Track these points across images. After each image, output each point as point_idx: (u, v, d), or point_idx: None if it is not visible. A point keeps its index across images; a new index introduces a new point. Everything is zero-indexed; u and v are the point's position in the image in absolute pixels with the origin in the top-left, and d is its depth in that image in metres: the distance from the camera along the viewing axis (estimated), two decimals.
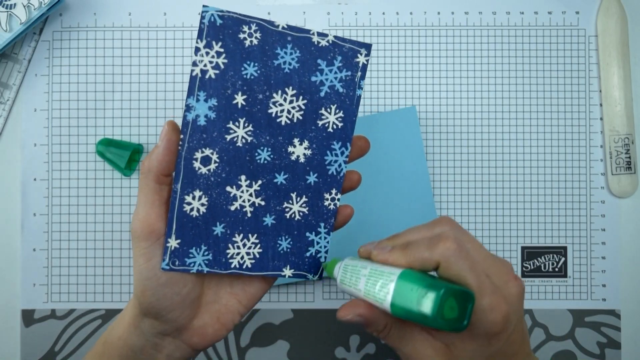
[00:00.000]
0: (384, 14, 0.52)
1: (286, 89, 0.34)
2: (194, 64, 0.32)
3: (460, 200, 0.51)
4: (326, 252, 0.36)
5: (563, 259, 0.51)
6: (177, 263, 0.33)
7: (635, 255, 0.52)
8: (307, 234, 0.36)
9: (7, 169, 0.51)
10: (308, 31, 0.33)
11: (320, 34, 0.34)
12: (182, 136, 0.32)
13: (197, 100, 0.32)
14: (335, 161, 0.35)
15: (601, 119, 0.52)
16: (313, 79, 0.34)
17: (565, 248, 0.52)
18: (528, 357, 0.33)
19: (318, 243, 0.36)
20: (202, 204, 0.33)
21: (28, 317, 0.51)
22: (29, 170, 0.51)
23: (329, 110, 0.34)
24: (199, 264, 0.34)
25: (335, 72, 0.34)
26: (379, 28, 0.52)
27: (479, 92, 0.52)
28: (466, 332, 0.30)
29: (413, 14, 0.52)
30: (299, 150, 0.35)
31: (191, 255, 0.33)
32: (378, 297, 0.30)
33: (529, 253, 0.51)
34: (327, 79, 0.34)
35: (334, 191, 0.36)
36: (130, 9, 0.52)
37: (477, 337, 0.31)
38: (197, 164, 0.33)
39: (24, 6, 0.48)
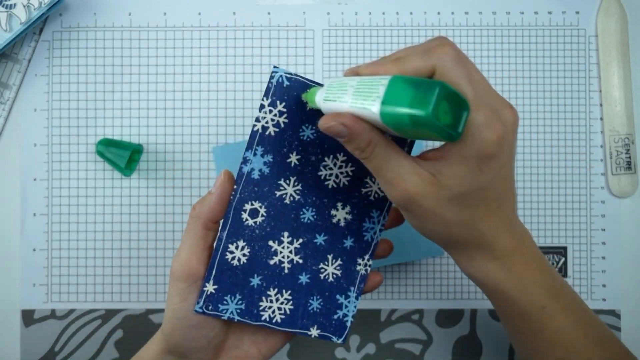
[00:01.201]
0: (384, 14, 0.52)
1: (337, 155, 0.35)
2: (257, 119, 0.33)
3: None
4: (353, 316, 0.37)
5: (563, 259, 0.51)
6: (210, 307, 0.34)
7: (635, 255, 0.52)
8: (338, 296, 0.36)
9: (7, 169, 0.51)
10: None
11: None
12: (235, 187, 0.34)
13: (255, 154, 0.34)
14: (372, 228, 0.36)
15: (601, 119, 0.52)
16: None
17: (565, 248, 0.52)
18: (515, 215, 0.32)
19: (346, 307, 0.36)
20: (244, 254, 0.34)
21: (28, 317, 0.51)
22: (29, 170, 0.51)
23: (373, 179, 0.35)
24: (231, 312, 0.34)
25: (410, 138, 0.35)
26: (379, 28, 0.52)
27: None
28: (456, 153, 0.28)
29: (413, 14, 0.52)
30: (341, 214, 0.36)
31: (225, 302, 0.34)
32: (366, 104, 0.27)
33: None
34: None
35: (367, 257, 0.36)
36: (130, 9, 0.52)
37: (468, 159, 0.28)
38: (245, 215, 0.34)
39: (24, 6, 0.48)
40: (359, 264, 0.36)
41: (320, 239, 0.35)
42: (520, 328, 0.34)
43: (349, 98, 0.28)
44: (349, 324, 0.36)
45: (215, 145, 0.51)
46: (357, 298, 0.36)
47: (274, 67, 0.33)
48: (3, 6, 0.48)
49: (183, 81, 0.52)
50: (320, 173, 0.35)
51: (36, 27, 0.51)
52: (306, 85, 0.34)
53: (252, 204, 0.34)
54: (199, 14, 0.52)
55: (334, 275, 0.36)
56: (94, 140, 0.51)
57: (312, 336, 0.36)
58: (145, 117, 0.51)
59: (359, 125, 0.28)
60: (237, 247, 0.34)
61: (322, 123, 0.29)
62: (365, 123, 0.28)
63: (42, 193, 0.51)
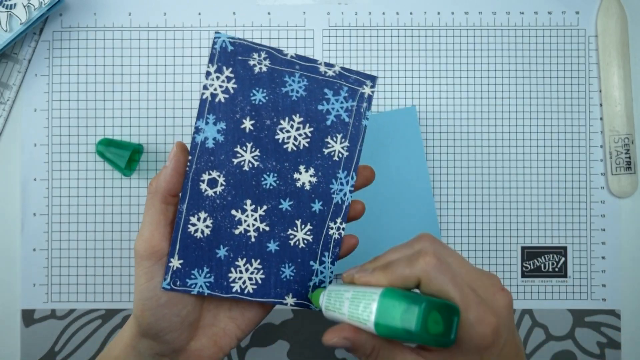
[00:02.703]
0: (384, 14, 0.52)
1: (293, 116, 0.34)
2: (205, 87, 0.33)
3: (460, 200, 0.51)
4: (330, 282, 0.36)
5: (563, 259, 0.51)
6: (178, 283, 0.33)
7: (635, 255, 0.52)
8: (311, 262, 0.36)
9: (7, 169, 0.51)
10: (315, 61, 0.34)
11: (327, 64, 0.34)
12: (190, 157, 0.33)
13: (207, 123, 0.33)
14: (341, 190, 0.35)
15: (601, 119, 0.52)
16: (319, 107, 0.35)
17: (565, 248, 0.52)
18: None
19: (322, 272, 0.36)
20: (207, 226, 0.34)
21: (28, 317, 0.51)
22: (29, 170, 0.51)
23: (334, 139, 0.35)
24: (200, 286, 0.34)
25: (342, 102, 0.35)
26: (379, 28, 0.52)
27: (479, 92, 0.52)
28: (456, 349, 0.30)
29: (413, 14, 0.52)
30: (305, 178, 0.35)
31: (193, 277, 0.34)
32: (362, 318, 0.29)
33: (529, 253, 0.51)
34: (333, 108, 0.35)
35: (339, 220, 0.36)
36: (130, 9, 0.52)
37: (467, 353, 0.30)
38: (203, 186, 0.33)
39: (24, 6, 0.48)
40: (331, 228, 0.35)
41: (285, 205, 0.35)
42: None
43: (346, 310, 0.31)
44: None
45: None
46: (332, 263, 0.36)
47: (216, 32, 0.33)
48: (3, 6, 0.48)
49: (183, 81, 0.52)
50: (277, 137, 0.34)
51: (36, 27, 0.51)
52: (250, 48, 0.33)
53: (209, 174, 0.33)
54: (199, 14, 0.52)
55: (305, 241, 0.35)
56: (94, 140, 0.51)
57: (289, 304, 0.35)
58: (145, 117, 0.51)
59: (360, 337, 0.30)
60: (198, 219, 0.33)
61: (327, 339, 0.31)
62: (365, 333, 0.30)
63: (42, 193, 0.51)
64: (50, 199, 0.51)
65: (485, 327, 0.29)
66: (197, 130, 0.33)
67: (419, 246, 0.31)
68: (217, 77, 0.33)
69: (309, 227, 0.35)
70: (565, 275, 0.51)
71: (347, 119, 0.35)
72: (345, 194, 0.35)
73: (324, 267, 0.36)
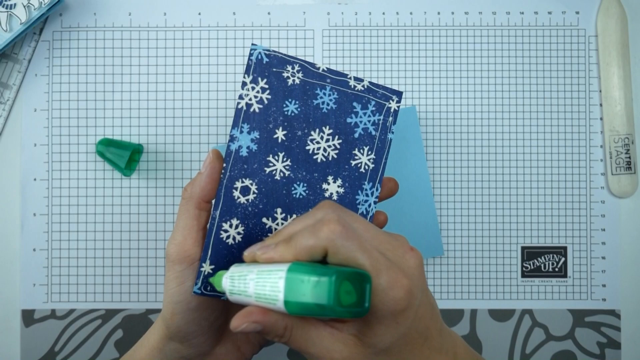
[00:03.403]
0: (384, 14, 0.52)
1: (323, 128, 0.35)
2: (240, 97, 0.34)
3: (460, 200, 0.51)
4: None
5: (563, 259, 0.51)
6: (208, 288, 0.34)
7: (635, 255, 0.52)
8: None
9: (7, 169, 0.51)
10: (345, 75, 0.35)
11: (356, 79, 0.36)
12: (224, 165, 0.34)
13: (241, 131, 0.34)
14: (366, 201, 0.36)
15: (601, 119, 0.52)
16: (348, 120, 0.35)
17: (565, 248, 0.52)
18: (442, 331, 0.32)
19: None
20: (239, 233, 0.34)
21: (28, 317, 0.51)
22: (29, 170, 0.51)
23: (361, 151, 0.36)
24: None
25: (369, 116, 0.36)
26: (379, 28, 0.52)
27: (479, 92, 0.52)
28: (371, 316, 0.29)
29: (413, 14, 0.52)
30: (333, 188, 0.36)
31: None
32: (270, 298, 0.28)
33: (529, 253, 0.51)
34: (361, 121, 0.36)
35: None
36: (130, 9, 0.52)
37: (383, 319, 0.29)
38: (236, 193, 0.34)
39: (24, 6, 0.48)
40: None
41: None
42: None
43: (252, 291, 0.29)
44: None
45: (215, 145, 0.51)
46: None
47: (252, 44, 0.34)
48: (3, 6, 0.48)
49: (183, 81, 0.52)
50: (308, 147, 0.35)
51: (36, 27, 0.51)
52: (285, 60, 0.34)
53: (242, 182, 0.34)
54: (199, 14, 0.52)
55: None
56: (94, 140, 0.51)
57: None
58: (145, 117, 0.51)
59: (270, 318, 0.29)
60: (231, 226, 0.34)
61: (235, 326, 0.29)
62: (275, 313, 0.29)
63: (42, 193, 0.51)
64: (50, 199, 0.51)
65: (398, 290, 0.28)
66: (232, 139, 0.34)
67: (320, 214, 0.30)
68: (252, 88, 0.34)
69: None
70: (565, 275, 0.51)
71: (373, 132, 0.36)
72: (370, 205, 0.36)
73: None
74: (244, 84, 0.34)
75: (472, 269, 0.51)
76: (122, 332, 0.51)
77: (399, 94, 0.36)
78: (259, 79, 0.34)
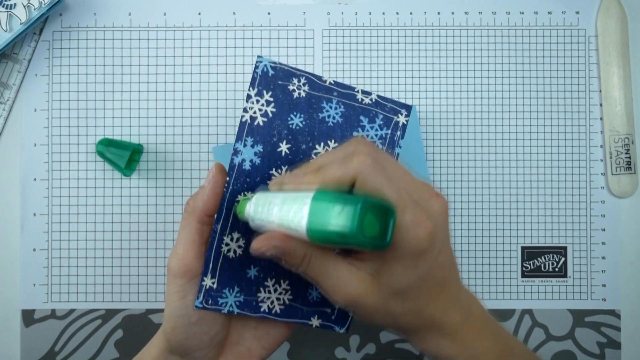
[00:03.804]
0: (384, 14, 0.52)
1: (328, 142, 0.35)
2: (245, 110, 0.33)
3: (460, 200, 0.51)
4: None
5: (563, 259, 0.51)
6: (210, 302, 0.34)
7: (635, 255, 0.52)
8: None
9: (7, 169, 0.51)
10: (353, 88, 0.35)
11: (364, 92, 0.35)
12: (227, 179, 0.33)
13: (245, 145, 0.33)
14: None
15: (601, 119, 0.52)
16: (355, 134, 0.35)
17: (565, 248, 0.52)
18: (459, 287, 0.32)
19: None
20: (239, 246, 0.34)
21: (28, 317, 0.51)
22: (29, 170, 0.51)
23: None
24: (230, 305, 0.34)
25: (376, 130, 0.35)
26: (379, 28, 0.52)
27: (479, 92, 0.52)
28: (391, 254, 0.29)
29: (413, 14, 0.52)
30: None
31: (224, 296, 0.34)
32: (293, 224, 0.28)
33: (529, 253, 0.51)
34: (368, 135, 0.35)
35: None
36: (130, 9, 0.52)
37: (402, 258, 0.29)
38: None
39: (24, 6, 0.48)
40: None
41: None
42: None
43: (276, 216, 0.29)
44: (351, 314, 0.36)
45: (215, 145, 0.51)
46: None
47: (258, 56, 0.33)
48: (3, 6, 0.48)
49: (183, 81, 0.52)
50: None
51: (36, 27, 0.51)
52: (290, 73, 0.33)
53: (244, 195, 0.34)
54: (199, 14, 0.52)
55: None
56: (94, 140, 0.51)
57: (314, 326, 0.35)
58: (145, 117, 0.51)
59: (291, 244, 0.29)
60: (232, 239, 0.34)
61: (254, 246, 0.29)
62: (296, 239, 0.29)
63: (42, 193, 0.51)
64: (50, 199, 0.51)
65: (421, 230, 0.28)
66: (235, 152, 0.33)
67: (352, 148, 0.29)
68: (257, 101, 0.33)
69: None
70: (565, 275, 0.51)
71: (380, 146, 0.35)
72: None
73: None
74: (248, 96, 0.33)
75: (472, 269, 0.51)
76: (122, 332, 0.51)
77: (408, 108, 0.35)
78: (264, 91, 0.33)
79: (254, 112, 0.33)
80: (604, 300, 0.51)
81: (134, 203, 0.51)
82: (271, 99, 0.33)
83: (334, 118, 0.35)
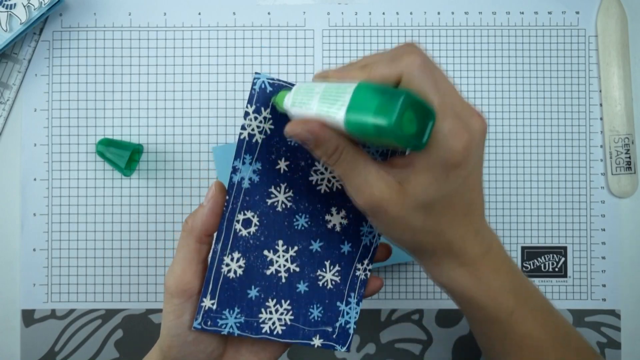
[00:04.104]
0: (384, 14, 0.52)
1: None
2: (243, 127, 0.32)
3: None
4: (355, 322, 0.36)
5: (563, 259, 0.51)
6: (209, 323, 0.33)
7: (635, 255, 0.52)
8: (338, 303, 0.35)
9: (7, 169, 0.51)
10: None
11: None
12: (227, 197, 0.33)
13: (243, 163, 0.33)
14: (370, 232, 0.35)
15: (601, 119, 0.52)
16: None
17: (565, 248, 0.52)
18: (483, 219, 0.32)
19: (348, 313, 0.36)
20: (240, 266, 0.34)
21: (28, 317, 0.51)
22: (29, 170, 0.51)
23: None
24: (231, 326, 0.34)
25: (376, 148, 0.34)
26: (379, 28, 0.52)
27: (479, 92, 0.52)
28: (422, 162, 0.28)
29: (413, 14, 0.52)
30: (336, 219, 0.35)
31: (224, 317, 0.33)
32: (331, 112, 0.27)
33: (529, 253, 0.51)
34: (368, 151, 0.34)
35: (366, 262, 0.36)
36: (130, 9, 0.52)
37: (434, 167, 0.28)
38: (238, 226, 0.33)
39: (24, 6, 0.48)
40: (358, 269, 0.35)
41: (315, 246, 0.35)
42: (489, 333, 0.34)
43: (315, 104, 0.28)
44: (351, 331, 0.36)
45: (215, 145, 0.51)
46: (358, 304, 0.36)
47: (256, 73, 0.33)
48: (3, 6, 0.48)
49: (183, 81, 0.52)
50: (311, 178, 0.34)
51: (36, 27, 0.51)
52: (288, 89, 0.33)
53: (244, 214, 0.33)
54: (199, 14, 0.52)
55: (333, 282, 0.35)
56: (94, 140, 0.51)
57: (315, 346, 0.35)
58: (145, 117, 0.51)
59: (326, 132, 0.28)
60: (232, 259, 0.33)
61: (289, 130, 0.28)
62: (331, 130, 0.28)
63: (42, 193, 0.51)
64: (50, 199, 0.51)
65: (457, 141, 0.27)
66: (235, 170, 0.33)
67: (402, 49, 0.29)
68: (255, 118, 0.33)
69: (337, 268, 0.35)
70: (565, 275, 0.51)
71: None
72: (374, 236, 0.35)
73: (350, 308, 0.36)
74: (246, 114, 0.32)
75: None
76: (122, 332, 0.51)
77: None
78: (262, 108, 0.32)
79: (252, 130, 0.33)
80: (604, 300, 0.51)
81: (134, 203, 0.51)
82: (269, 116, 0.33)
83: None
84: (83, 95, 0.51)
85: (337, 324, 0.36)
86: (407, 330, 0.51)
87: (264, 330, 0.34)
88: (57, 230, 0.51)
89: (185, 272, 0.33)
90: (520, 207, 0.52)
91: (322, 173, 0.34)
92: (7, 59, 0.51)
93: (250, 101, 0.32)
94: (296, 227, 0.34)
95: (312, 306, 0.35)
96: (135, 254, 0.51)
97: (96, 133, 0.51)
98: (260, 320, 0.34)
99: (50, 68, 0.51)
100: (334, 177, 0.34)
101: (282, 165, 0.34)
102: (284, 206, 0.34)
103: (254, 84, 0.32)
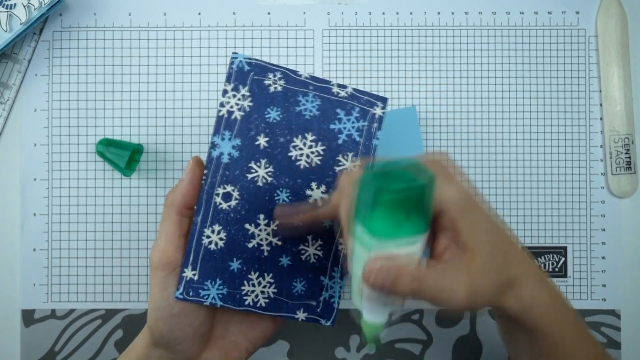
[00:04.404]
0: (384, 14, 0.52)
1: (306, 135, 0.35)
2: (221, 104, 0.34)
3: None
4: (339, 297, 0.36)
5: (563, 259, 0.51)
6: (191, 294, 0.34)
7: (635, 255, 0.52)
8: (321, 277, 0.36)
9: (7, 169, 0.51)
10: (328, 82, 0.35)
11: (340, 85, 0.35)
12: (205, 171, 0.34)
13: (222, 138, 0.34)
14: None
15: (601, 119, 0.52)
16: (332, 126, 0.35)
17: (565, 248, 0.52)
18: (513, 243, 0.33)
19: (332, 287, 0.36)
20: (221, 239, 0.34)
21: (28, 317, 0.51)
22: (29, 170, 0.51)
23: (346, 157, 0.36)
24: (213, 297, 0.34)
25: (353, 122, 0.35)
26: (379, 28, 0.52)
27: (479, 92, 0.52)
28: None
29: (413, 14, 0.52)
30: (316, 194, 0.35)
31: (206, 288, 0.34)
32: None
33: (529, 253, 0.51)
34: (345, 128, 0.35)
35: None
36: (130, 9, 0.52)
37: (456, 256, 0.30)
38: (218, 199, 0.34)
39: (24, 6, 0.48)
40: (341, 244, 0.36)
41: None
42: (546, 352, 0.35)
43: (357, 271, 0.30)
44: (336, 306, 0.36)
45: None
46: (341, 278, 0.36)
47: (233, 52, 0.34)
48: (3, 6, 0.48)
49: (183, 81, 0.52)
50: (290, 154, 0.35)
51: (36, 27, 0.51)
52: (266, 68, 0.34)
53: (224, 188, 0.34)
54: (199, 14, 0.52)
55: (316, 256, 0.36)
56: (94, 140, 0.51)
57: (300, 319, 0.36)
58: (145, 117, 0.51)
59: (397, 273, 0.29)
60: (213, 232, 0.34)
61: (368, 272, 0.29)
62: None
63: (42, 193, 0.51)
64: (50, 199, 0.51)
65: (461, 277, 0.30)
66: (213, 146, 0.34)
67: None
68: (234, 95, 0.34)
69: (319, 242, 0.36)
70: (565, 275, 0.51)
71: (358, 138, 0.36)
72: None
73: (334, 282, 0.36)
74: (225, 91, 0.34)
75: None
76: (122, 332, 0.51)
77: (384, 100, 0.36)
78: (240, 86, 0.34)
79: (231, 107, 0.34)
80: (604, 300, 0.51)
81: (134, 203, 0.51)
82: (248, 94, 0.34)
83: (310, 111, 0.35)
84: (83, 95, 0.51)
85: (321, 298, 0.36)
86: (407, 330, 0.51)
87: (247, 303, 0.35)
88: (57, 230, 0.51)
89: (167, 245, 0.33)
90: (520, 207, 0.52)
91: (300, 149, 0.35)
92: (7, 59, 0.51)
93: (228, 79, 0.33)
94: (277, 201, 0.35)
95: (295, 280, 0.36)
96: (135, 254, 0.51)
97: (96, 133, 0.51)
98: (243, 293, 0.35)
99: (50, 68, 0.51)
100: (312, 153, 0.35)
101: (262, 141, 0.34)
102: (264, 181, 0.35)
103: (231, 62, 0.33)
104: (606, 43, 0.51)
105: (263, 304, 0.35)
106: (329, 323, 0.36)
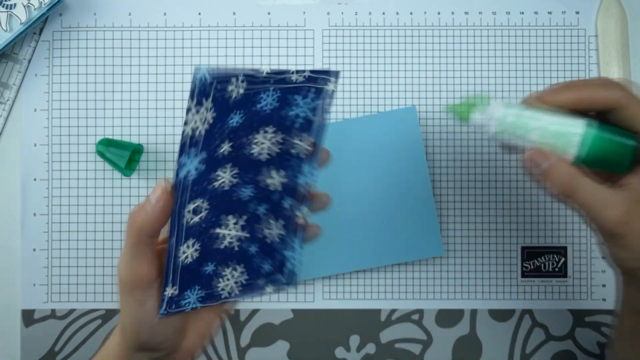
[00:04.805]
0: (384, 14, 0.52)
1: (267, 128, 0.35)
2: (186, 122, 0.32)
3: (460, 201, 0.51)
4: (300, 262, 0.37)
5: (563, 259, 0.51)
6: (173, 307, 0.34)
7: None
8: (284, 252, 0.37)
9: (7, 169, 0.51)
10: (287, 71, 0.34)
11: (298, 72, 0.34)
12: (175, 193, 0.33)
13: (189, 156, 0.33)
14: (306, 182, 0.36)
15: None
16: (290, 113, 0.35)
17: (565, 248, 0.51)
18: None
19: (293, 257, 0.37)
20: (195, 250, 0.34)
21: (28, 317, 0.51)
22: (29, 170, 0.51)
23: (301, 138, 0.36)
24: (193, 302, 0.35)
25: (308, 103, 0.35)
26: (379, 28, 0.52)
27: (479, 92, 0.52)
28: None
29: (413, 14, 0.52)
30: (277, 180, 0.36)
31: (186, 297, 0.34)
32: (558, 147, 0.33)
33: (529, 253, 0.51)
34: (302, 111, 0.35)
35: (304, 209, 0.37)
36: (130, 9, 0.52)
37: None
38: (189, 215, 0.34)
39: (24, 6, 0.48)
40: (298, 217, 0.37)
41: (261, 210, 0.36)
42: None
43: (536, 138, 0.33)
44: (297, 271, 0.37)
45: None
46: (301, 247, 0.37)
47: (196, 67, 0.32)
48: (3, 6, 0.48)
49: (183, 81, 0.52)
50: (253, 151, 0.35)
51: (36, 27, 0.51)
52: (228, 75, 0.32)
53: (194, 203, 0.34)
54: (199, 14, 0.52)
55: (279, 236, 0.36)
56: (94, 140, 0.51)
57: (269, 292, 0.37)
58: (145, 117, 0.51)
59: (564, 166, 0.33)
60: (188, 247, 0.34)
61: (528, 159, 0.33)
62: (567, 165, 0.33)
63: (42, 193, 0.51)
64: (50, 199, 0.51)
65: None
66: (181, 166, 0.33)
67: (603, 80, 0.33)
68: (197, 111, 0.32)
69: (281, 222, 0.36)
70: (565, 275, 0.51)
71: (312, 117, 0.35)
72: (307, 184, 0.36)
73: (295, 252, 0.37)
74: (188, 109, 0.32)
75: (472, 269, 0.51)
76: None
77: (335, 74, 0.35)
78: (204, 99, 0.32)
79: (195, 123, 0.32)
80: (604, 300, 0.51)
81: (134, 203, 0.51)
82: (211, 105, 0.33)
83: (270, 105, 0.34)
84: (83, 95, 0.51)
85: (286, 270, 0.37)
86: (407, 330, 0.51)
87: (223, 296, 0.36)
88: (57, 230, 0.51)
89: (141, 265, 0.33)
90: (520, 207, 0.52)
91: (262, 143, 0.35)
92: (7, 59, 0.51)
93: (191, 95, 0.32)
94: (242, 198, 0.35)
95: (263, 262, 0.36)
96: None
97: (96, 133, 0.51)
98: (220, 289, 0.36)
99: (50, 68, 0.51)
100: (273, 144, 0.35)
101: (226, 147, 0.34)
102: (230, 183, 0.35)
103: (194, 78, 0.32)
104: (606, 43, 0.51)
105: (237, 292, 0.36)
106: (291, 286, 0.38)
